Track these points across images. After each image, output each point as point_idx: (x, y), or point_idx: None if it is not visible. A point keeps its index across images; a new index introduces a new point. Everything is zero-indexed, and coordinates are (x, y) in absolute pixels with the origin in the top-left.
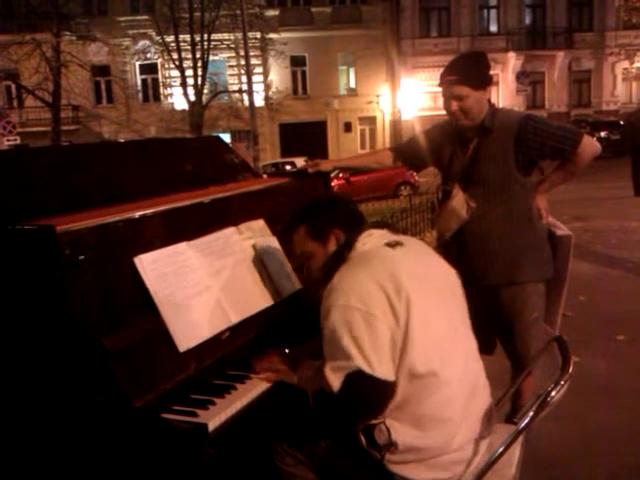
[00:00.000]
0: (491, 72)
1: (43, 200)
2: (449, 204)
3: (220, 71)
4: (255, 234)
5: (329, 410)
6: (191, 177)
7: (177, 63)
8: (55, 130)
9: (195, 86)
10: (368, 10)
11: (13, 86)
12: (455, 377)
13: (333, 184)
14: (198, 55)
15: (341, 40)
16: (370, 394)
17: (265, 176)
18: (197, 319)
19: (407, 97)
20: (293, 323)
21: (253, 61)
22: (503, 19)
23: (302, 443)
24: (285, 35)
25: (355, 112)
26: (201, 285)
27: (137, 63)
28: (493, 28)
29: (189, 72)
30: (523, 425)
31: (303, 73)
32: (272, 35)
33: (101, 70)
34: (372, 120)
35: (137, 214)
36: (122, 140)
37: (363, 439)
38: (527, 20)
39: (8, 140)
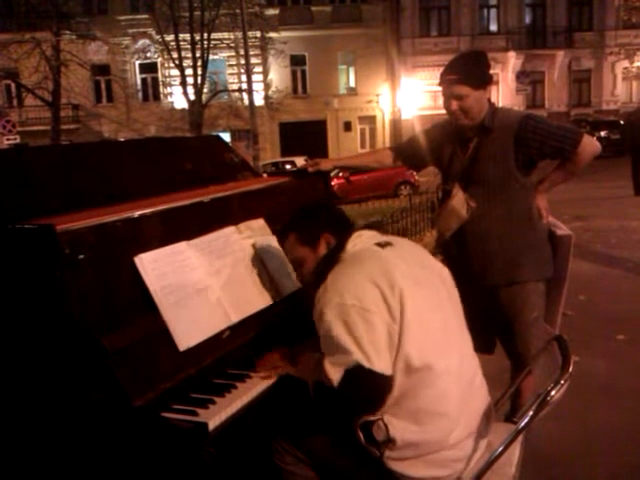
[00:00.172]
0: (491, 71)
1: (43, 199)
2: (449, 204)
3: (220, 70)
4: (255, 233)
5: (329, 403)
6: (191, 176)
7: (177, 62)
8: (55, 129)
9: (195, 85)
10: (368, 9)
11: (13, 85)
12: (450, 371)
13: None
14: (198, 54)
15: (341, 39)
16: (369, 388)
17: (265, 175)
18: (197, 318)
19: (407, 96)
20: (293, 322)
21: (253, 60)
22: (503, 18)
23: (302, 442)
24: (285, 34)
25: (355, 111)
26: (201, 284)
27: (137, 62)
28: (493, 27)
29: (189, 71)
30: (523, 424)
31: (303, 72)
32: (272, 34)
33: (101, 69)
34: (372, 119)
35: (137, 213)
36: (122, 139)
37: (362, 436)
38: (527, 19)
39: (8, 139)
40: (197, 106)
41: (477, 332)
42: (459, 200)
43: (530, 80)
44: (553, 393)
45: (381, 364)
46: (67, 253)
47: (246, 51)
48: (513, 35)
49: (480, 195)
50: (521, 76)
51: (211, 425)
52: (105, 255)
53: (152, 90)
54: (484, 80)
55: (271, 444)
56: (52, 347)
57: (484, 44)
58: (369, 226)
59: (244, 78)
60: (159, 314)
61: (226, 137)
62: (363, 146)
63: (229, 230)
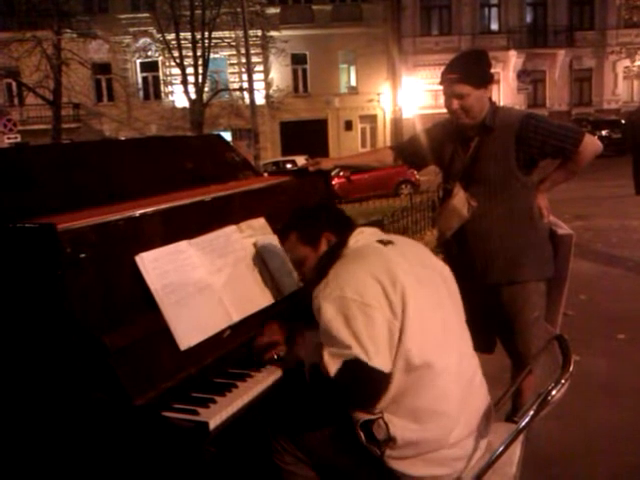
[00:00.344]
0: (492, 70)
1: (44, 198)
2: (450, 203)
3: (221, 69)
4: (256, 232)
5: (324, 390)
6: (192, 175)
7: (178, 61)
8: (56, 128)
9: (196, 84)
10: (369, 8)
11: (14, 84)
12: (450, 369)
13: (334, 182)
14: (199, 53)
15: (342, 38)
16: (365, 383)
17: (266, 174)
18: (198, 317)
19: (408, 95)
20: (294, 321)
21: (254, 59)
22: (504, 17)
23: (301, 441)
24: (286, 33)
25: (356, 110)
26: (202, 283)
27: (138, 61)
28: (494, 26)
29: (190, 70)
30: (523, 424)
31: (304, 71)
32: (273, 33)
33: (102, 68)
34: (373, 118)
35: (138, 212)
36: (123, 138)
37: (362, 435)
38: (528, 18)
39: (9, 138)
40: (198, 105)
41: (477, 331)
42: (460, 199)
43: (531, 79)
44: (554, 393)
45: (379, 360)
46: (68, 252)
47: (247, 50)
48: (514, 34)
49: (481, 194)
50: (522, 75)
51: (212, 424)
52: (106, 254)
53: (153, 89)
54: (485, 79)
55: (271, 444)
56: (53, 346)
57: (485, 43)
58: (371, 224)
59: (245, 77)
60: (160, 313)
61: (227, 136)
62: (364, 145)
63: (230, 229)
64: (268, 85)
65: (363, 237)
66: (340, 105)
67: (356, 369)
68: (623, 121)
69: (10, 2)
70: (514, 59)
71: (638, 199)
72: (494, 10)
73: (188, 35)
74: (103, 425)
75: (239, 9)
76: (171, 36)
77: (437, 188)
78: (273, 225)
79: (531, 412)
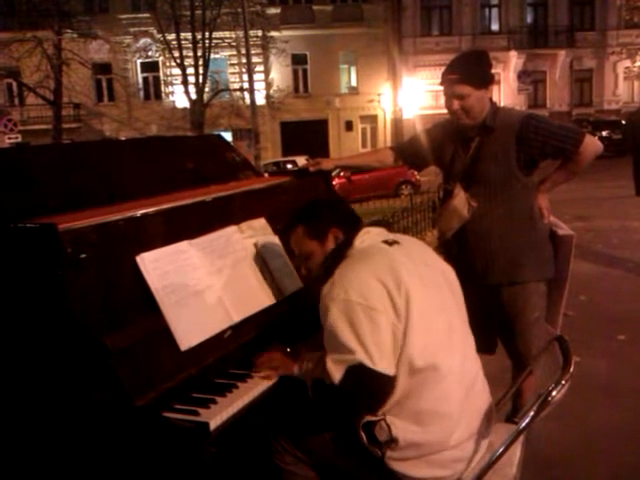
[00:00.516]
0: (492, 71)
1: (44, 198)
2: (450, 203)
3: (221, 69)
4: (256, 233)
5: (329, 401)
6: (192, 175)
7: (178, 61)
8: (56, 128)
9: (196, 84)
10: (369, 8)
11: (14, 84)
12: (453, 372)
13: (334, 183)
14: (199, 53)
15: (342, 38)
16: (370, 387)
17: (266, 175)
18: (199, 318)
19: (408, 96)
20: (295, 321)
21: (254, 59)
22: (505, 18)
23: (302, 442)
24: (286, 33)
25: (356, 111)
26: (203, 284)
27: (138, 61)
28: (495, 27)
29: (190, 70)
30: (524, 425)
31: (304, 71)
32: (273, 33)
33: (102, 68)
34: (373, 119)
35: (139, 213)
36: (123, 138)
37: (364, 436)
38: (529, 19)
39: (9, 138)
40: (199, 105)
41: (478, 332)
42: (460, 200)
43: (532, 80)
44: (554, 393)
45: (384, 364)
46: (69, 252)
47: (247, 50)
48: (515, 34)
49: (481, 195)
50: (523, 76)
51: (212, 425)
52: (107, 254)
53: (153, 89)
54: (486, 80)
55: (271, 444)
56: (54, 346)
57: (485, 43)
58: (377, 223)
59: (245, 77)
60: (161, 313)
61: (228, 136)
62: (364, 145)
63: (231, 229)
64: (269, 85)
65: (369, 237)
66: (341, 105)
67: (360, 374)
68: (623, 122)
69: (11, 2)
70: (515, 59)
71: (638, 200)
72: (494, 10)
73: (189, 35)
74: (104, 425)
75: (240, 9)
76: (172, 36)
77: (437, 189)
78: (274, 225)
79: (531, 413)
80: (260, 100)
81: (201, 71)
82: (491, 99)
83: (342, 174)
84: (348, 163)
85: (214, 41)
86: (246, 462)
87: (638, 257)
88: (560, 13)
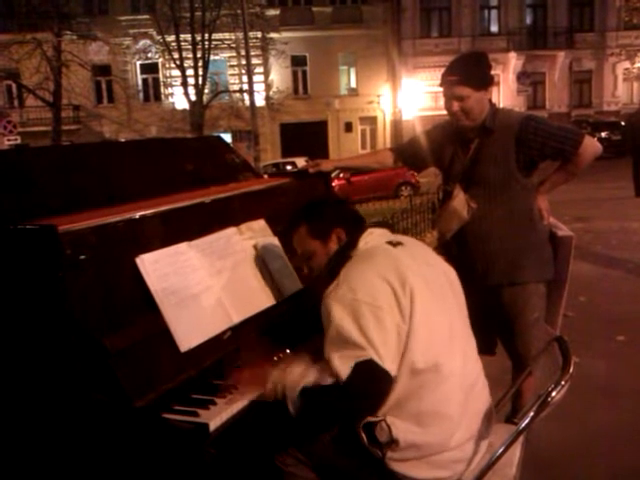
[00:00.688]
0: (492, 72)
1: (44, 200)
2: (450, 204)
3: (221, 71)
4: (256, 234)
5: (327, 403)
6: (192, 177)
7: (178, 63)
8: (56, 130)
9: (196, 86)
10: (369, 10)
11: (14, 85)
12: (454, 374)
13: (334, 184)
14: (199, 55)
15: (342, 40)
16: (377, 384)
17: (266, 176)
18: (198, 319)
19: (408, 97)
20: (295, 323)
21: (254, 61)
22: (504, 19)
23: (302, 443)
24: (286, 35)
25: (356, 112)
26: (202, 285)
27: (138, 62)
28: (494, 28)
29: (190, 72)
30: (523, 425)
31: (304, 73)
32: (273, 35)
33: (102, 70)
34: (373, 120)
35: (138, 214)
36: (123, 140)
37: (364, 437)
38: (528, 20)
39: (9, 140)
40: (198, 107)
41: (478, 333)
42: (460, 201)
43: (531, 81)
44: (554, 394)
45: (389, 363)
46: (69, 253)
47: (247, 52)
48: (514, 36)
49: (481, 196)
50: (522, 77)
51: (212, 426)
52: (107, 256)
53: (153, 91)
54: (485, 81)
55: (271, 446)
56: (53, 347)
57: (485, 45)
58: (380, 224)
59: (245, 79)
60: (160, 315)
61: (227, 138)
62: (364, 147)
63: (230, 231)
64: (268, 87)
65: (373, 238)
66: (340, 107)
67: (369, 370)
68: (623, 123)
69: (10, 4)
70: (514, 61)
71: (638, 201)
72: (494, 12)
73: (188, 37)
74: (103, 427)
75: (239, 11)
76: (171, 38)
77: (437, 190)
78: (273, 227)
79: (531, 413)
80: (260, 101)
81: (201, 72)
82: (490, 100)
83: (342, 175)
84: (348, 164)
85: (214, 42)
86: (246, 463)
87: (637, 258)
88: (559, 14)
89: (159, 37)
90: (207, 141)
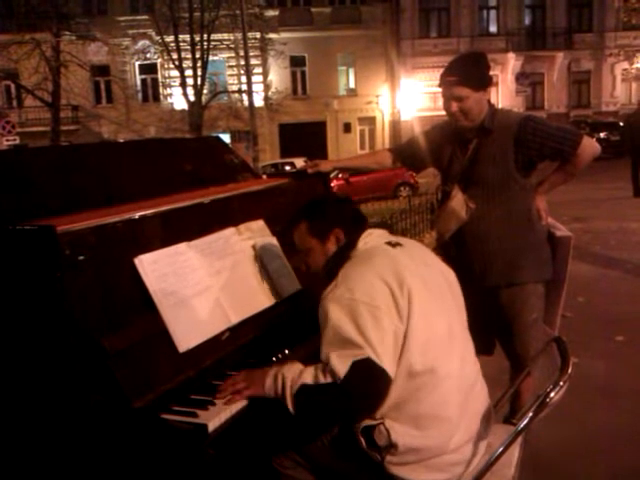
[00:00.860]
0: (491, 73)
1: (43, 200)
2: (448, 205)
3: (220, 71)
4: (255, 234)
5: (326, 401)
6: (191, 177)
7: (177, 63)
8: (54, 130)
9: (195, 86)
10: (368, 10)
11: (12, 86)
12: (452, 376)
13: (333, 185)
14: (198, 55)
15: (341, 40)
16: (374, 383)
17: (265, 177)
18: (197, 319)
19: (407, 97)
20: (293, 323)
21: (253, 61)
22: (503, 20)
23: (300, 445)
24: (285, 35)
25: (355, 112)
26: (201, 285)
27: (137, 63)
28: (493, 29)
29: (189, 72)
30: (522, 426)
31: (303, 73)
32: (272, 35)
33: (101, 70)
34: (371, 120)
35: (137, 215)
36: (122, 140)
37: (363, 441)
38: (527, 21)
39: (7, 140)
40: (197, 107)
41: (477, 333)
42: (458, 201)
43: (530, 81)
44: (552, 394)
45: (386, 363)
46: (67, 254)
47: (246, 52)
48: (513, 36)
49: (479, 196)
50: (521, 77)
51: (211, 427)
52: (105, 256)
53: (152, 91)
54: (484, 81)
55: (270, 447)
56: (52, 348)
57: (484, 45)
58: (379, 225)
59: (244, 79)
60: (159, 315)
61: (226, 138)
62: (363, 147)
63: (229, 231)
64: (267, 87)
65: (371, 239)
66: (339, 107)
67: (367, 369)
68: (621, 123)
69: (9, 4)
70: (513, 61)
71: (636, 201)
72: (493, 12)
73: (187, 37)
74: (102, 427)
75: (238, 11)
76: (170, 38)
77: (435, 190)
78: (272, 227)
79: (530, 414)
80: (258, 102)
81: (199, 73)
82: (489, 101)
83: (340, 176)
84: (346, 165)
85: (212, 43)
86: (245, 465)
87: (636, 258)
88: (558, 15)
89: (158, 37)
90: (206, 141)
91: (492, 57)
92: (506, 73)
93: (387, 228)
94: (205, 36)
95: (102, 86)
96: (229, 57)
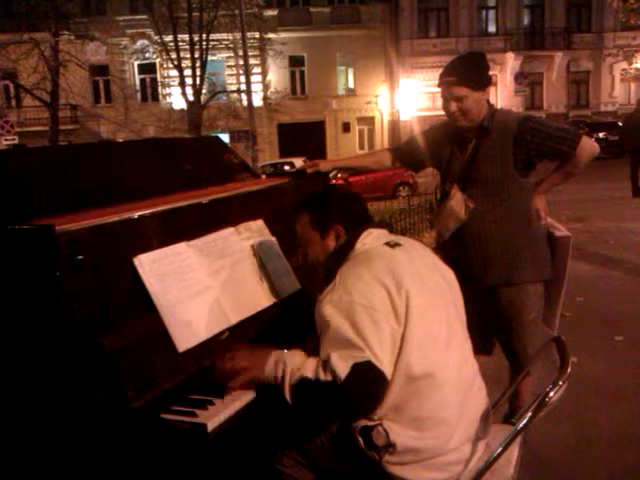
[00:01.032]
0: (490, 73)
1: (41, 200)
2: (447, 204)
3: (219, 71)
4: (254, 234)
5: (325, 399)
6: (190, 177)
7: (176, 63)
8: (53, 130)
9: (194, 86)
10: (367, 10)
11: (11, 85)
12: (451, 378)
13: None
14: (197, 55)
15: (340, 40)
16: (373, 386)
17: (264, 176)
18: (196, 319)
19: (406, 97)
20: (292, 323)
21: (252, 61)
22: (501, 20)
23: (300, 444)
24: (284, 35)
25: (354, 112)
26: (200, 285)
27: (136, 63)
28: (491, 29)
29: (188, 72)
30: (521, 425)
31: (302, 73)
32: (271, 35)
33: (99, 70)
34: (370, 120)
35: (136, 214)
36: (120, 140)
37: (361, 441)
38: (525, 21)
39: (6, 140)
40: (196, 107)
41: (476, 333)
42: (457, 201)
43: (528, 81)
44: (551, 394)
45: (384, 365)
46: (66, 254)
47: (245, 52)
48: (511, 36)
49: (479, 196)
50: (519, 77)
51: (210, 426)
52: (104, 256)
53: (151, 91)
54: (483, 81)
55: (270, 447)
56: (51, 348)
57: (482, 45)
58: (379, 224)
59: (243, 79)
60: (158, 315)
61: (225, 138)
62: (362, 147)
63: (228, 231)
64: (266, 87)
65: (370, 240)
66: (338, 107)
67: (366, 372)
68: (620, 123)
69: (8, 4)
70: (511, 61)
71: (635, 201)
72: (491, 12)
73: (186, 37)
74: (101, 427)
75: (237, 11)
76: (169, 38)
77: (435, 190)
78: (271, 227)
79: (529, 414)
80: (257, 102)
81: (198, 73)
82: (488, 101)
83: (340, 176)
84: (346, 164)
85: (211, 43)
86: (244, 464)
87: (635, 258)
88: (557, 15)
89: (157, 37)
90: (205, 141)
91: (491, 57)
92: (505, 73)
93: (387, 227)
94: (204, 36)
95: (101, 86)
96: (228, 57)
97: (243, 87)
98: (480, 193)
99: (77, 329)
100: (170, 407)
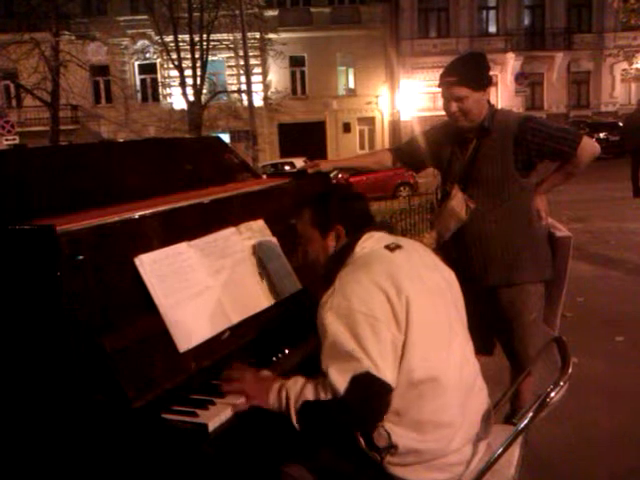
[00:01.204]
0: (490, 73)
1: (42, 200)
2: (448, 205)
3: (219, 71)
4: (255, 234)
5: (327, 418)
6: (191, 177)
7: (176, 63)
8: (54, 130)
9: (194, 86)
10: (367, 10)
11: (12, 85)
12: (453, 381)
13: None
14: (197, 55)
15: (340, 40)
16: (375, 396)
17: (264, 176)
18: (197, 319)
19: (406, 98)
20: (293, 322)
21: (252, 61)
22: (502, 20)
23: (301, 444)
24: (284, 35)
25: (354, 112)
26: (201, 285)
27: (136, 63)
28: (492, 29)
29: (188, 72)
30: (522, 426)
31: (302, 73)
32: (271, 35)
33: (100, 70)
34: (371, 121)
35: (137, 214)
36: (121, 140)
37: (362, 442)
38: (526, 21)
39: (7, 140)
40: (196, 107)
41: (477, 333)
42: (458, 201)
43: (529, 82)
44: (552, 394)
45: (387, 374)
46: (67, 254)
47: (245, 52)
48: (512, 37)
49: (479, 196)
50: (520, 78)
51: (211, 426)
52: (105, 256)
53: (151, 91)
54: (483, 82)
55: (270, 447)
56: (52, 348)
57: (483, 45)
58: (379, 226)
59: (243, 79)
60: (159, 315)
61: (225, 138)
62: (362, 147)
63: (229, 231)
64: (266, 87)
65: (370, 243)
66: (338, 107)
67: (366, 382)
68: (621, 124)
69: (9, 4)
70: (512, 62)
71: (636, 201)
72: (492, 13)
73: (186, 37)
74: (102, 427)
75: (237, 11)
76: (169, 38)
77: (435, 190)
78: (272, 227)
79: (530, 414)
80: (258, 102)
81: (199, 73)
82: (489, 101)
83: (340, 176)
84: (346, 164)
85: (212, 43)
86: (245, 464)
87: (636, 258)
88: (557, 15)
89: (157, 37)
90: (205, 141)
91: (491, 57)
92: (505, 73)
93: (388, 228)
94: (204, 36)
95: (101, 86)
96: (228, 57)
97: (244, 87)
98: (481, 193)
99: (77, 329)
100: (171, 407)
